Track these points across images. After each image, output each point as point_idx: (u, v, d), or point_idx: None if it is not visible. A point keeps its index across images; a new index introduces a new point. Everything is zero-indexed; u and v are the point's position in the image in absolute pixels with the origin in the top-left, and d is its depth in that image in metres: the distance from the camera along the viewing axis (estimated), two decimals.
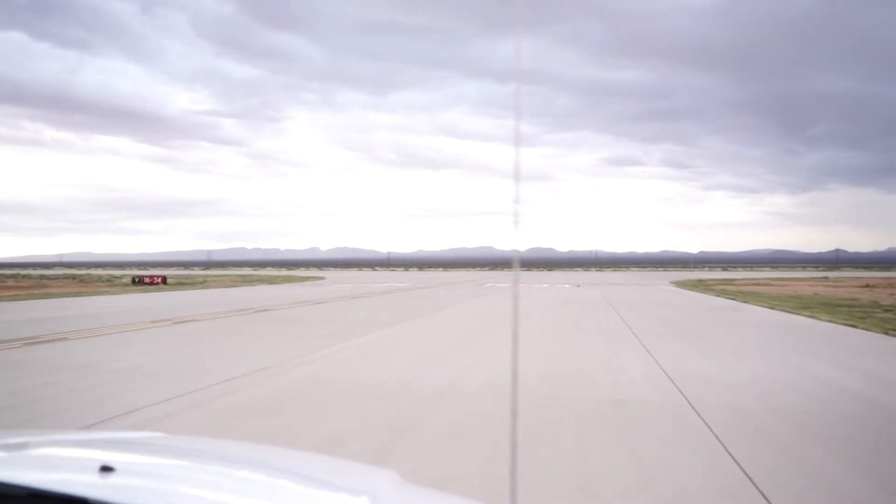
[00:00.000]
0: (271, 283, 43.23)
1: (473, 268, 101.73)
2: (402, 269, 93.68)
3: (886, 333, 14.05)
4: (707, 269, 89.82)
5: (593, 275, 61.57)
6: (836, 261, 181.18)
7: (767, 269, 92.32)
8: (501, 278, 43.39)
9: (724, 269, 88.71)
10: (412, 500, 1.32)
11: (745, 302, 21.64)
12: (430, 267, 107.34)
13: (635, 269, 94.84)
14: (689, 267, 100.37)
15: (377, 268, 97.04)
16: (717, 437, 5.79)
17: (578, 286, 28.37)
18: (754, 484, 4.48)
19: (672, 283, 41.16)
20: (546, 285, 30.74)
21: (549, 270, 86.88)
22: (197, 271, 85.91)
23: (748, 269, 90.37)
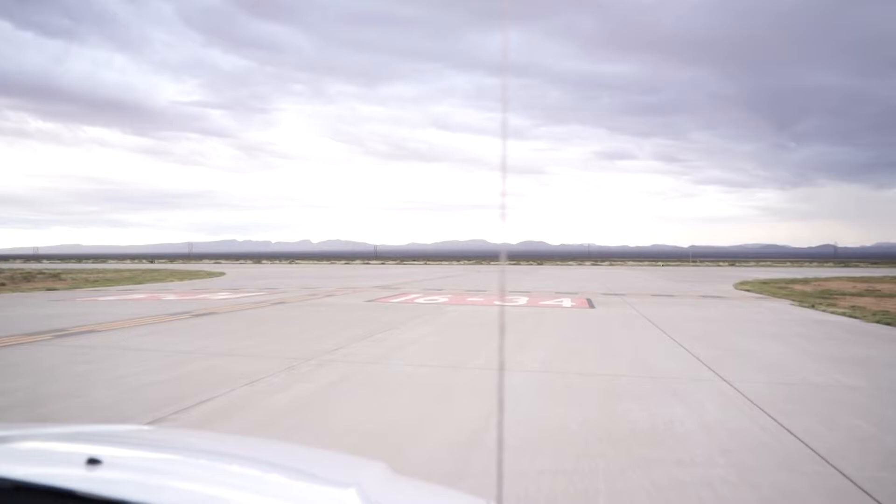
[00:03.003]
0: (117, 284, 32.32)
1: (465, 261, 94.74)
2: (381, 263, 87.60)
3: None
4: (711, 263, 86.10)
5: (594, 272, 47.48)
6: (835, 255, 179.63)
7: (768, 263, 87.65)
8: (472, 278, 32.28)
9: (732, 263, 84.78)
10: (400, 492, 1.34)
11: None
12: (421, 260, 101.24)
13: (632, 263, 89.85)
14: (691, 261, 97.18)
15: (369, 261, 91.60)
16: None
17: (592, 308, 15.44)
18: None
19: (742, 288, 25.72)
20: (524, 302, 20.79)
21: (538, 265, 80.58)
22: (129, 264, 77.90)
23: (756, 263, 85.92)
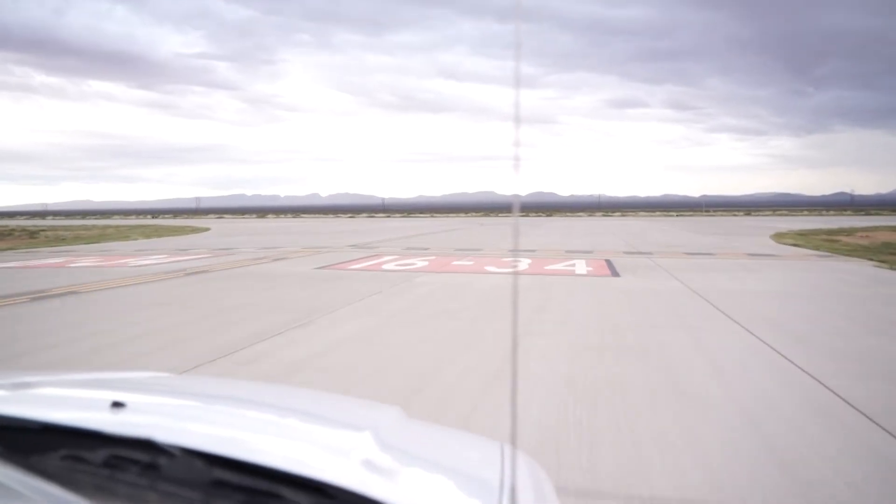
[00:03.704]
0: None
1: (473, 213, 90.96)
2: (386, 216, 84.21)
3: None
4: (726, 213, 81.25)
5: (608, 224, 42.96)
6: (851, 203, 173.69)
7: (784, 212, 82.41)
8: (470, 234, 29.16)
9: (748, 213, 79.71)
10: (415, 434, 1.35)
11: None
12: (428, 213, 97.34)
13: (644, 213, 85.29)
14: (705, 211, 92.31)
15: (375, 214, 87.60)
16: None
17: (617, 276, 11.66)
18: None
19: (786, 242, 21.59)
20: (525, 268, 14.75)
21: (548, 216, 76.62)
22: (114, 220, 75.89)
23: (773, 213, 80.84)
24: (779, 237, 25.67)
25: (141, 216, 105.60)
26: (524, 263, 13.91)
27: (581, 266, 13.43)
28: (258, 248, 19.85)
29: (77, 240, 27.36)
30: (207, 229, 39.78)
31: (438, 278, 11.39)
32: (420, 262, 14.29)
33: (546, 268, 12.98)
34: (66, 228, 41.98)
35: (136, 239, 28.09)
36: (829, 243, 21.33)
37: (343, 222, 54.81)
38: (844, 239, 24.54)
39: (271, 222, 58.70)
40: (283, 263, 14.55)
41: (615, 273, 12.14)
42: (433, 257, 15.83)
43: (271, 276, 12.03)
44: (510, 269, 12.64)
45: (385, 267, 13.39)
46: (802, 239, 23.98)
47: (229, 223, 54.57)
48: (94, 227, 46.27)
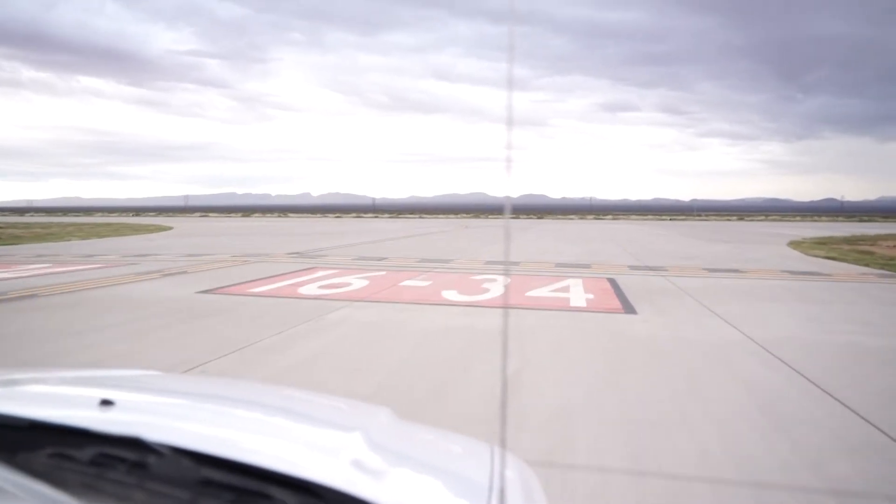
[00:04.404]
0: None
1: (464, 214, 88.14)
2: (374, 216, 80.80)
3: None
4: (717, 218, 78.17)
5: (602, 229, 38.61)
6: (841, 209, 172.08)
7: (775, 217, 79.25)
8: (447, 239, 25.39)
9: (741, 218, 76.63)
10: (405, 435, 1.34)
11: None
12: (417, 214, 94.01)
13: (635, 217, 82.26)
14: (697, 215, 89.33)
15: (362, 215, 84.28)
16: None
17: (632, 312, 7.78)
18: None
19: (816, 253, 17.83)
20: (499, 293, 9.28)
21: (538, 218, 73.22)
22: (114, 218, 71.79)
23: (765, 218, 77.90)
24: (797, 246, 22.14)
25: (123, 214, 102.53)
26: (498, 286, 10.21)
27: (577, 291, 9.72)
28: (178, 255, 16.05)
29: (15, 238, 24.44)
30: (170, 228, 36.77)
31: (365, 313, 7.68)
32: (358, 282, 10.52)
33: (529, 294, 9.27)
34: (27, 226, 39.29)
35: (69, 240, 24.54)
36: (863, 255, 17.78)
37: (324, 223, 50.91)
38: (875, 249, 21.11)
39: (248, 222, 54.84)
40: (172, 281, 10.74)
41: (627, 305, 8.43)
42: (382, 273, 12.07)
43: (116, 305, 8.21)
44: (476, 297, 8.96)
45: (302, 290, 9.54)
46: (827, 249, 20.42)
47: (200, 223, 50.70)
48: (56, 224, 43.67)
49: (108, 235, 28.70)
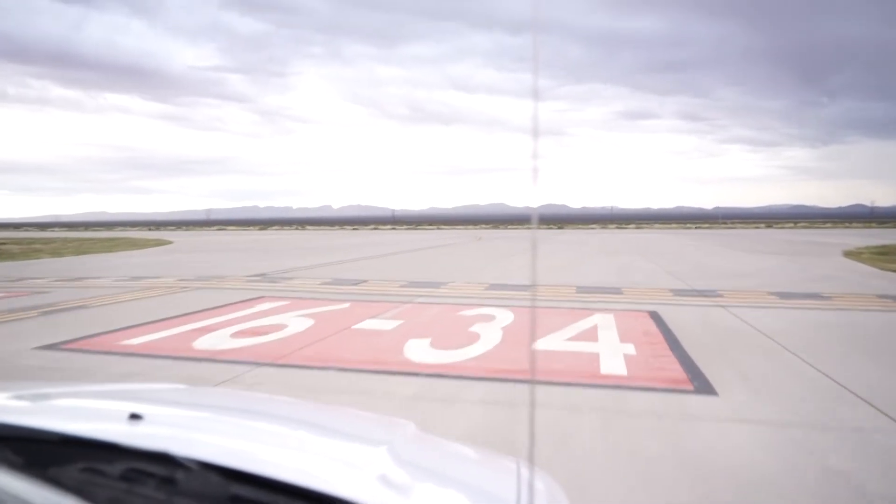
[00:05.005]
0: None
1: (483, 225, 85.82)
2: (392, 228, 78.43)
3: None
4: (743, 225, 73.98)
5: (627, 239, 34.58)
6: (871, 215, 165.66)
7: (804, 224, 74.51)
8: (452, 254, 22.08)
9: (769, 225, 72.30)
10: (430, 449, 1.33)
11: None
12: (436, 225, 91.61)
13: (658, 225, 78.67)
14: (722, 223, 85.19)
15: (379, 227, 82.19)
16: None
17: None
18: None
19: (873, 264, 15.68)
20: (493, 345, 5.50)
21: (559, 228, 69.81)
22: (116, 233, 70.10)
23: (794, 225, 73.46)
24: (857, 257, 18.65)
25: (143, 228, 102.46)
26: (494, 329, 7.19)
27: (609, 337, 6.60)
28: (121, 278, 13.32)
29: (9, 256, 23.15)
30: (170, 243, 34.76)
31: (258, 393, 4.77)
32: (298, 323, 7.52)
33: (536, 346, 6.23)
34: (29, 241, 38.26)
35: (40, 257, 22.67)
36: None
37: (332, 236, 48.22)
38: None
39: (258, 235, 52.55)
40: (34, 324, 7.89)
41: (691, 369, 5.27)
42: (343, 305, 9.06)
43: None
44: (455, 354, 5.96)
45: (199, 344, 6.51)
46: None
47: (207, 237, 48.50)
48: (62, 239, 42.32)
49: (96, 252, 26.42)
